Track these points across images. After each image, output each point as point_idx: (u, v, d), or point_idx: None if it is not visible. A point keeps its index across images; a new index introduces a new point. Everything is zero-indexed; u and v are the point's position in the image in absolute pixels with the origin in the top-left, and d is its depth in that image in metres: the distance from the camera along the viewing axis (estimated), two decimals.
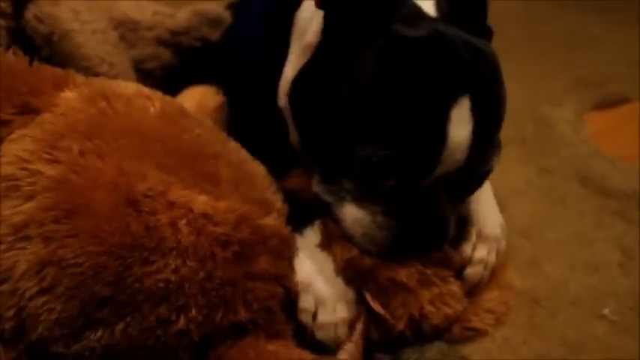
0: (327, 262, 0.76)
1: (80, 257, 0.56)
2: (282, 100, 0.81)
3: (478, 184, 0.78)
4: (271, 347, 0.66)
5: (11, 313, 0.57)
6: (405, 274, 0.74)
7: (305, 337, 0.74)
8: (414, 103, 0.66)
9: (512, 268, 0.91)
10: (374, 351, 0.77)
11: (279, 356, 0.65)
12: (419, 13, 0.73)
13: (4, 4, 0.94)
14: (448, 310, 0.78)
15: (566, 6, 1.94)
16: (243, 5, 1.09)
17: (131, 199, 0.60)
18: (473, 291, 0.83)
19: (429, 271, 0.76)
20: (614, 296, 0.91)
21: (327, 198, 0.76)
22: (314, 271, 0.75)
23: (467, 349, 0.82)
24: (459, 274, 0.81)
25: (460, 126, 0.67)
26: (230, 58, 1.00)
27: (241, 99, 0.93)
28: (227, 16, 1.11)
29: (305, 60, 0.76)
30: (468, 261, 0.82)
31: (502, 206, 0.90)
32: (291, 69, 0.80)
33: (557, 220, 1.07)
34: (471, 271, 0.82)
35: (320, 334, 0.74)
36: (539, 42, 1.74)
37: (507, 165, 1.19)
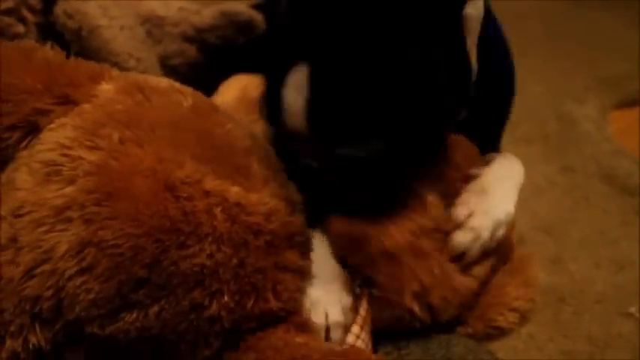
0: (326, 263, 0.76)
1: (120, 239, 0.57)
2: None
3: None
4: (300, 339, 0.66)
5: (50, 292, 0.57)
6: (395, 246, 0.74)
7: None
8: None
9: (537, 265, 0.90)
10: (398, 342, 0.78)
11: (310, 347, 0.66)
12: None
13: (33, 1, 0.96)
14: (453, 283, 0.77)
15: (586, 4, 1.94)
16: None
17: (169, 184, 0.61)
18: (464, 270, 0.78)
19: (421, 244, 0.75)
20: None
21: None
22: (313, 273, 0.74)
23: (492, 346, 0.82)
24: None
25: (294, 92, 0.65)
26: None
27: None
28: (258, 19, 1.11)
29: None
30: (458, 225, 0.77)
31: (525, 203, 0.91)
32: None
33: (581, 218, 1.08)
34: (458, 238, 0.76)
35: (313, 315, 0.73)
36: (560, 40, 1.75)
37: (530, 162, 1.18)
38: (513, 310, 0.84)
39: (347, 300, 0.75)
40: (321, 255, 0.76)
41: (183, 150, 0.65)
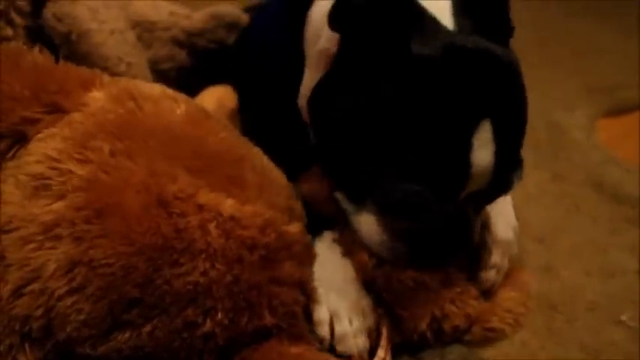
0: (339, 271, 0.75)
1: (111, 258, 0.56)
2: (303, 100, 0.80)
3: (500, 195, 0.76)
4: (295, 350, 0.65)
5: (40, 312, 0.56)
6: (428, 274, 0.75)
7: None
8: (436, 132, 0.64)
9: (528, 272, 0.89)
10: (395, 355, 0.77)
11: (305, 357, 0.65)
12: (433, 22, 0.68)
13: (22, 3, 0.93)
14: (469, 310, 0.77)
15: (576, 12, 1.95)
16: (261, 7, 1.09)
17: (162, 200, 0.60)
18: (487, 295, 0.82)
19: (450, 272, 0.76)
20: (632, 303, 0.92)
21: (346, 206, 0.74)
22: (326, 282, 0.74)
23: (486, 353, 0.82)
24: (472, 278, 0.81)
25: (483, 151, 0.64)
26: (248, 58, 0.99)
27: (258, 98, 0.92)
28: (244, 19, 1.11)
29: (323, 67, 0.74)
30: (483, 266, 0.81)
31: (516, 211, 0.89)
32: (309, 74, 0.79)
33: (572, 226, 1.08)
34: (485, 276, 0.81)
35: (340, 347, 0.73)
36: (549, 48, 1.76)
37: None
38: (507, 310, 0.83)
39: (366, 304, 0.74)
40: (331, 259, 0.75)
41: (177, 161, 0.63)
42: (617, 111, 1.48)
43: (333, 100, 0.71)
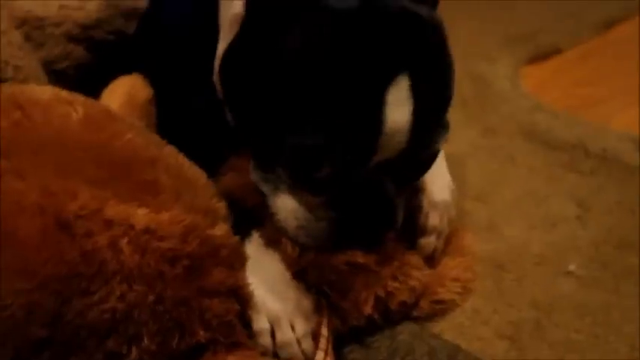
0: (273, 272, 0.72)
1: (8, 298, 0.50)
2: (216, 76, 0.75)
3: (426, 166, 0.73)
4: (232, 358, 0.62)
5: None
6: (361, 255, 0.71)
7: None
8: (345, 85, 0.60)
9: (470, 233, 0.89)
10: (344, 345, 0.74)
11: None
12: None
13: None
14: (412, 282, 0.75)
15: None
16: None
17: (62, 221, 0.54)
18: (430, 262, 0.80)
19: (385, 247, 0.74)
20: (577, 250, 0.91)
21: (263, 187, 0.70)
22: (261, 287, 0.70)
23: (438, 327, 0.79)
24: (411, 245, 0.79)
25: (398, 108, 0.61)
26: (160, 40, 0.92)
27: (172, 82, 0.86)
28: (142, 4, 1.04)
29: (233, 33, 0.70)
30: (421, 231, 0.79)
31: (451, 170, 0.88)
32: (222, 43, 0.74)
33: (509, 180, 1.07)
34: (425, 241, 0.79)
35: (284, 354, 0.69)
36: (465, 0, 1.73)
37: (451, 128, 1.17)
38: (454, 279, 0.82)
39: (307, 303, 0.71)
40: (264, 259, 0.72)
41: (75, 174, 0.58)
42: (539, 57, 1.48)
43: (240, 63, 0.68)
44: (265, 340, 0.69)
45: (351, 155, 0.62)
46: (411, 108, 0.61)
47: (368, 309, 0.72)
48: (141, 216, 0.58)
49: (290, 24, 0.63)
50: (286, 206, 0.68)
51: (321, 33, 0.62)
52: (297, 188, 0.67)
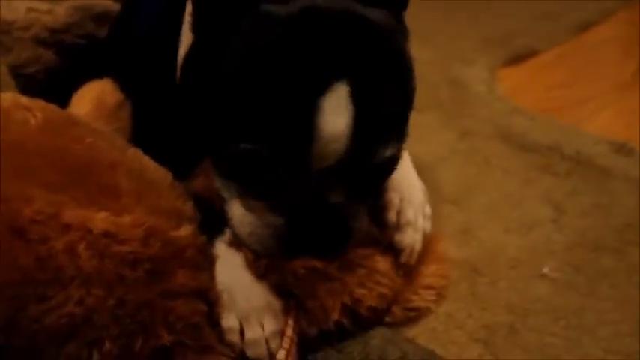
0: (244, 271, 0.70)
1: None
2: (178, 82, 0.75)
3: (381, 175, 0.71)
4: None
5: None
6: (317, 260, 0.70)
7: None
8: (279, 92, 0.59)
9: (445, 238, 0.88)
10: (316, 349, 0.73)
11: None
12: None
13: None
14: (381, 289, 0.74)
15: None
16: None
17: (16, 227, 0.53)
18: (410, 261, 0.79)
19: (348, 255, 0.72)
20: (551, 253, 0.90)
21: (223, 193, 0.70)
22: (232, 285, 0.69)
23: (412, 331, 0.78)
24: (390, 247, 0.77)
25: (334, 115, 0.59)
26: (130, 41, 0.91)
27: (143, 86, 0.85)
28: (114, 9, 1.03)
29: (189, 40, 0.70)
30: (394, 227, 0.77)
31: (427, 174, 0.88)
32: (181, 49, 0.74)
33: (485, 183, 1.06)
34: (402, 237, 0.77)
35: (251, 352, 0.68)
36: (440, 3, 1.74)
37: (427, 131, 1.17)
38: (428, 287, 0.81)
39: (277, 303, 0.70)
40: (234, 259, 0.70)
41: (32, 179, 0.57)
42: (515, 59, 1.48)
43: (191, 70, 0.68)
44: (233, 338, 0.67)
45: (286, 162, 0.61)
46: (350, 115, 0.60)
47: (335, 315, 0.71)
48: (100, 220, 0.57)
49: (231, 31, 0.63)
50: (238, 212, 0.68)
51: (259, 40, 0.62)
52: (244, 195, 0.67)
